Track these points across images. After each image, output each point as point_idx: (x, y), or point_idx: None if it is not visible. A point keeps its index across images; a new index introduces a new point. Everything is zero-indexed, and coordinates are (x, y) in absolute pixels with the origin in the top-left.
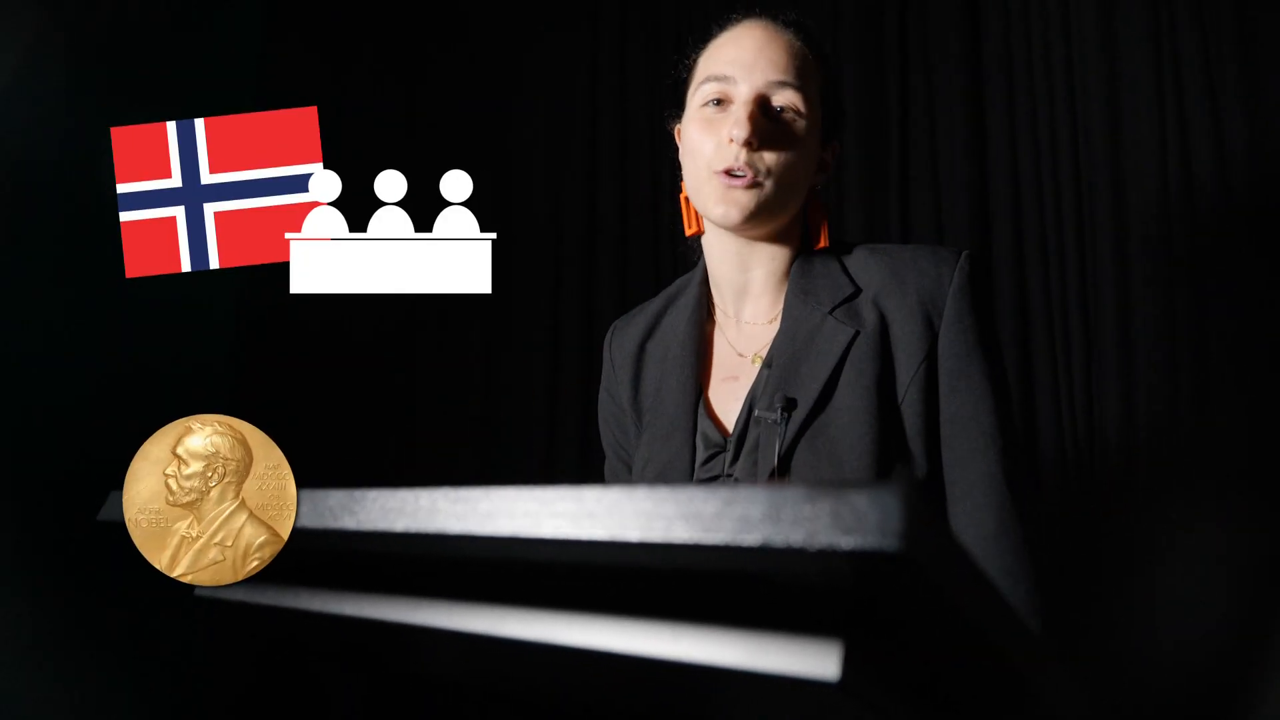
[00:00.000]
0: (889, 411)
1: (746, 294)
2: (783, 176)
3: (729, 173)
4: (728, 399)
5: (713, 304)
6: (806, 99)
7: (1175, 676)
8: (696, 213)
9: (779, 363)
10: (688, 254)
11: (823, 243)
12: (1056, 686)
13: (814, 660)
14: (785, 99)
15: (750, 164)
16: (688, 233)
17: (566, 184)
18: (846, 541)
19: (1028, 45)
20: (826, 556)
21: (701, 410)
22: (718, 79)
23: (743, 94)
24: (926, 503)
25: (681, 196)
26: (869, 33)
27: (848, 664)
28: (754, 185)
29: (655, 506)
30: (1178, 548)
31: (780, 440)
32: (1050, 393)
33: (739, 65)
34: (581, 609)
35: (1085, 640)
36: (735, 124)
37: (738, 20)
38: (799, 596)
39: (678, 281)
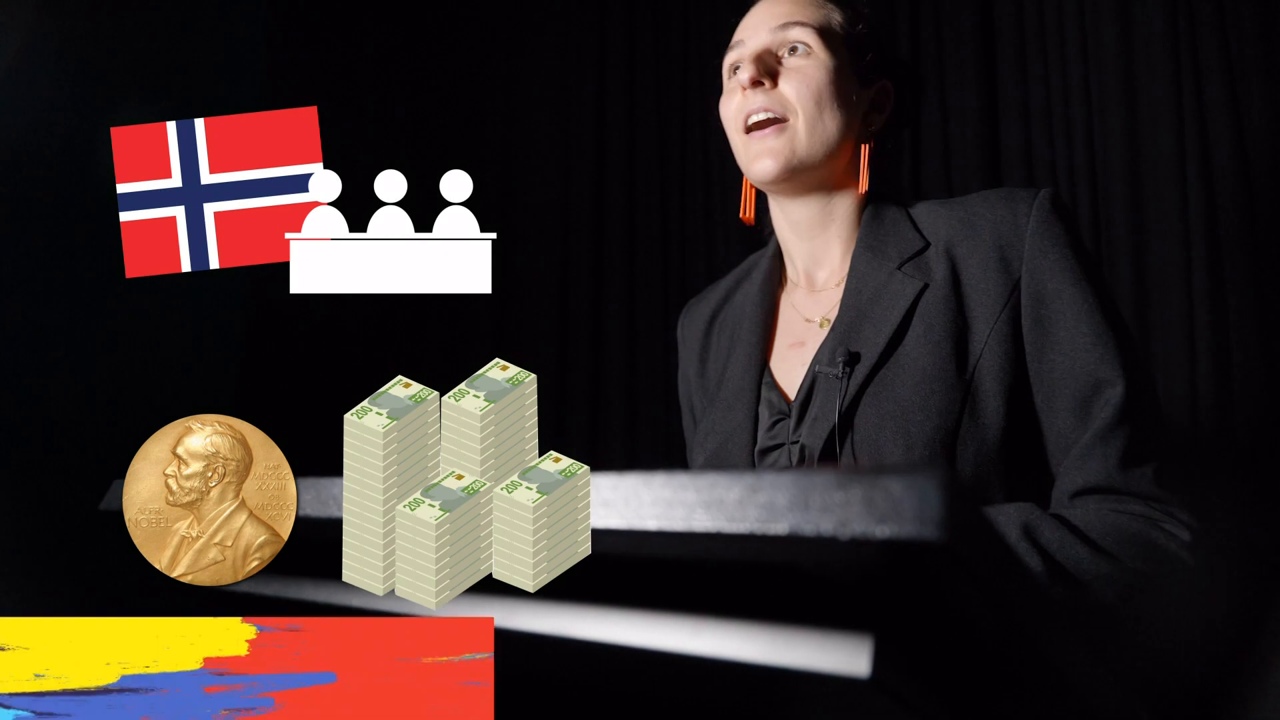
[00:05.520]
0: (961, 367)
1: (818, 260)
2: (808, 107)
3: (750, 122)
4: (794, 365)
5: (785, 273)
6: (819, 32)
7: (1188, 672)
8: (753, 198)
9: (842, 320)
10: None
11: (863, 183)
12: (1095, 683)
13: (844, 655)
14: (793, 36)
15: (769, 104)
16: (741, 217)
17: (572, 181)
18: (881, 530)
19: (1041, 41)
20: (859, 546)
21: (767, 378)
22: (732, 48)
23: (749, 49)
24: (969, 488)
25: (744, 181)
26: (877, 14)
27: (879, 659)
28: (780, 128)
29: (675, 494)
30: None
31: (841, 397)
32: None
33: (747, 28)
34: (595, 601)
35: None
36: (741, 72)
37: None
38: (828, 588)
39: (751, 258)
